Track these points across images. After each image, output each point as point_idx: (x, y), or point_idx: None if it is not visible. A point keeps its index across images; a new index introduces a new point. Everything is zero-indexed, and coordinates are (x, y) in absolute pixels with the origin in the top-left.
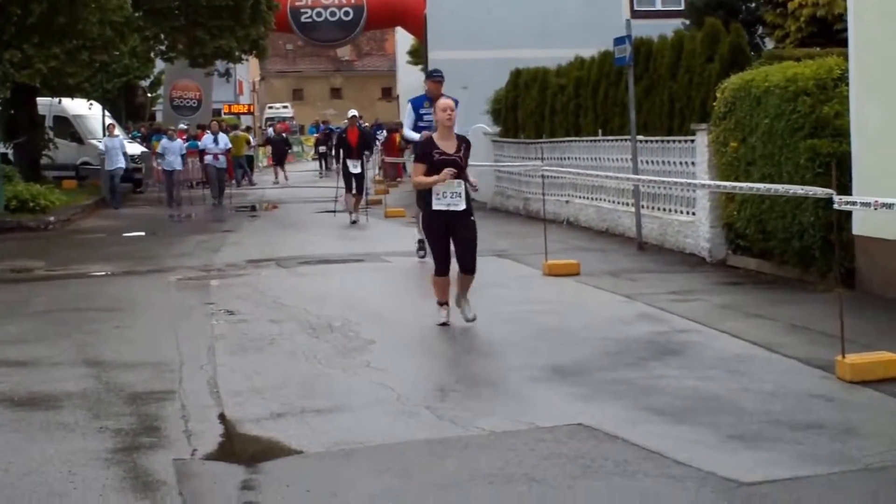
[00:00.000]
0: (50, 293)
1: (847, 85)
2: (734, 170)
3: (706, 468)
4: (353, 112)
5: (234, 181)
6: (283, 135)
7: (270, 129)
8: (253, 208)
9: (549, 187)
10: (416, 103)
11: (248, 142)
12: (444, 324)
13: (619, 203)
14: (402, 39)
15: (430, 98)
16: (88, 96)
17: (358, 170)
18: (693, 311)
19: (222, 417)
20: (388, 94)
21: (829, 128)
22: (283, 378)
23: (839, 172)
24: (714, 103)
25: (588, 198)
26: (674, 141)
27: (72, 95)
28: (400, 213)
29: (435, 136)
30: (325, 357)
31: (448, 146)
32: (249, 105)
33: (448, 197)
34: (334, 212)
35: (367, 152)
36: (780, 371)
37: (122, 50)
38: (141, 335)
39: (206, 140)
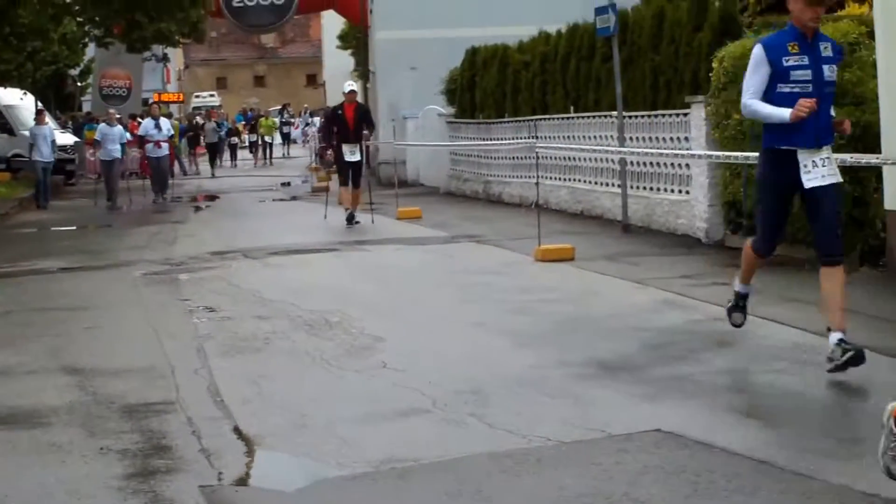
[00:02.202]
0: (5, 292)
1: (865, 50)
2: (738, 144)
3: (834, 481)
4: (351, 85)
5: (173, 171)
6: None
7: (198, 118)
8: (194, 199)
9: (514, 168)
10: (776, 47)
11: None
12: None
13: (596, 183)
14: (329, 24)
15: (800, 34)
16: (20, 85)
17: (356, 157)
18: (717, 296)
19: (238, 432)
20: (314, 80)
21: (849, 95)
22: (292, 383)
23: (861, 143)
24: (710, 74)
25: (560, 178)
26: (664, 115)
27: (3, 84)
28: None
29: None
30: (332, 357)
31: None
32: (179, 93)
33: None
34: (325, 214)
35: (366, 132)
36: None
37: (53, 37)
38: (118, 336)
39: (147, 126)
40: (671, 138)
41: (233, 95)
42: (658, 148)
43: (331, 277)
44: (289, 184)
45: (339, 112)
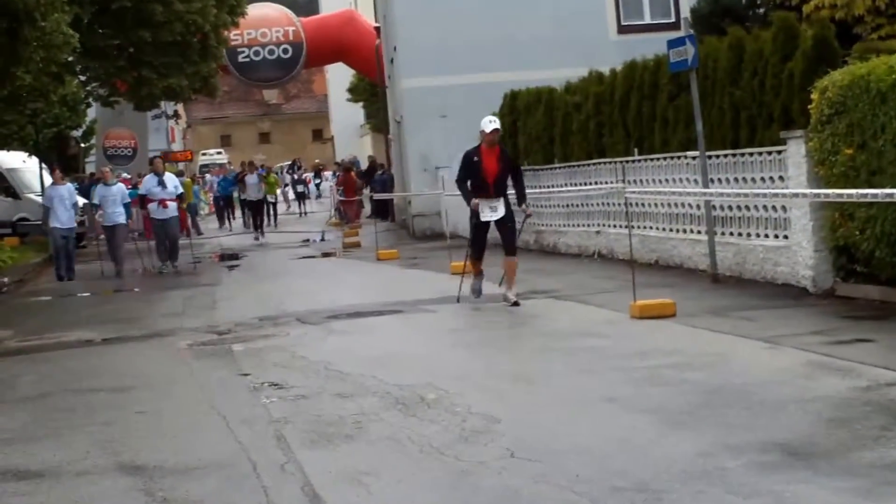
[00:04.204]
0: (37, 370)
1: None
2: (850, 181)
3: None
4: (493, 122)
5: (186, 234)
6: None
7: (208, 176)
8: (223, 258)
9: (569, 217)
10: None
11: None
12: None
13: (672, 230)
14: (335, 78)
15: None
16: (23, 148)
17: (499, 213)
18: (870, 355)
19: None
20: (320, 135)
21: None
22: (405, 481)
23: None
24: (810, 106)
25: (627, 226)
26: (753, 154)
27: (7, 147)
28: (393, 255)
29: None
30: (444, 445)
31: None
32: (188, 152)
33: None
34: (458, 297)
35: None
36: None
37: (53, 99)
38: (178, 423)
39: (149, 183)
40: (762, 178)
41: (238, 152)
42: (745, 189)
43: (407, 344)
44: (308, 241)
45: (476, 159)
